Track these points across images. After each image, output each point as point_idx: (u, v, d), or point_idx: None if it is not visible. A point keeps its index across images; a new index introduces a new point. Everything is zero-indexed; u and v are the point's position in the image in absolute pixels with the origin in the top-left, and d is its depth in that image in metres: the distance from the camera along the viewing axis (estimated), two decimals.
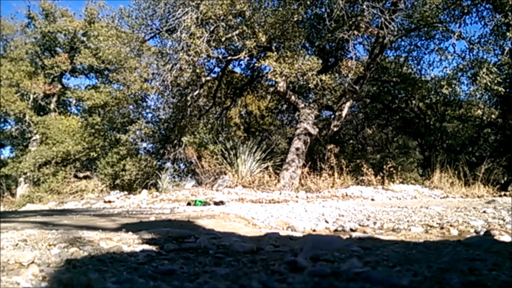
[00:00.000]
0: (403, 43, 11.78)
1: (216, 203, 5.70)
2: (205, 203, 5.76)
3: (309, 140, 9.97)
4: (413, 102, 12.74)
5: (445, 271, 1.10)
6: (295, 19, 8.45)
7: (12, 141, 19.47)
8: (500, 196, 6.65)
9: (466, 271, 1.09)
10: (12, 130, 18.57)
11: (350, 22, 8.67)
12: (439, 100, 12.08)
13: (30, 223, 2.67)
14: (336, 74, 11.09)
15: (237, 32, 8.61)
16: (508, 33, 8.56)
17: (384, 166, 8.62)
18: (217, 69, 12.28)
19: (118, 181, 13.19)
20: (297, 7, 8.40)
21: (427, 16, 9.15)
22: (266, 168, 8.87)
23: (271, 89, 11.63)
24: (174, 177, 12.57)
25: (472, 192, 7.47)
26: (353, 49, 9.29)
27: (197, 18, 8.37)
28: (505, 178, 10.71)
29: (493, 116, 11.99)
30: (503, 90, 8.76)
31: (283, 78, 8.70)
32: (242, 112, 16.07)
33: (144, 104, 15.59)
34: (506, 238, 2.09)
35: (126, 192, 9.86)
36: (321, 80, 8.29)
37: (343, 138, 14.76)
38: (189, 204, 6.05)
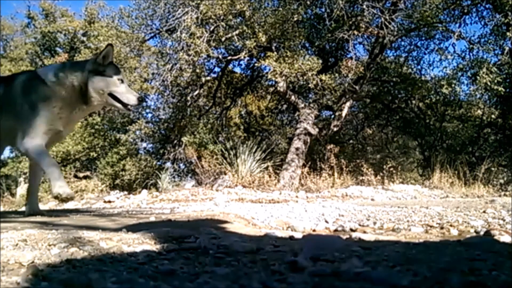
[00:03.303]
0: (403, 43, 11.78)
1: None
2: None
3: (309, 140, 9.97)
4: (413, 102, 12.72)
5: (445, 271, 1.11)
6: (295, 19, 8.45)
7: None
8: (500, 196, 6.65)
9: (466, 271, 1.09)
10: None
11: (350, 22, 8.67)
12: (439, 100, 12.06)
13: (30, 223, 2.67)
14: (336, 74, 11.08)
15: (237, 32, 8.62)
16: (508, 33, 8.56)
17: (384, 166, 8.64)
18: (217, 69, 12.29)
19: (118, 181, 13.18)
20: (297, 7, 8.40)
21: (427, 16, 9.14)
22: (266, 168, 8.86)
23: (271, 89, 11.65)
24: (174, 177, 12.56)
25: (472, 192, 7.48)
26: (353, 49, 9.31)
27: (197, 18, 8.37)
28: (505, 178, 10.70)
29: (493, 116, 11.97)
30: (503, 90, 8.76)
31: (283, 78, 8.70)
32: (242, 112, 16.05)
33: (144, 104, 15.58)
34: (506, 238, 2.09)
35: (126, 192, 9.84)
36: (321, 80, 8.30)
37: (343, 138, 14.75)
38: None
